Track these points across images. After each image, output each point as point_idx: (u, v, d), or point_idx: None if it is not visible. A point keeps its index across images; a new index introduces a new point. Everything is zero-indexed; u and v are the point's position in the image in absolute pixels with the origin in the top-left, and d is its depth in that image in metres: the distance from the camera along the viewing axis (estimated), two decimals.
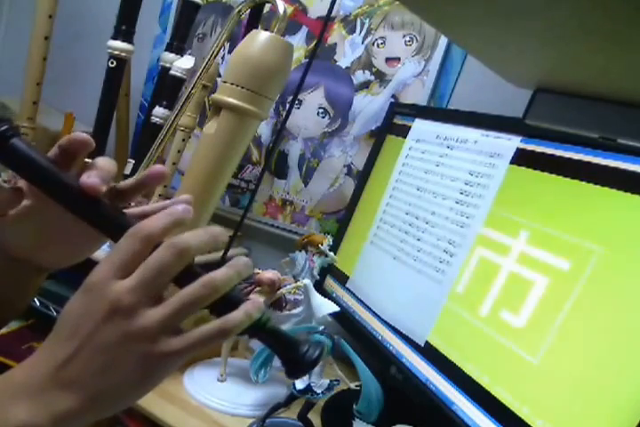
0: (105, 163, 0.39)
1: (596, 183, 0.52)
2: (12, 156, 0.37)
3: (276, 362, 0.73)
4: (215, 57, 0.80)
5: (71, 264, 0.44)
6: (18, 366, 0.33)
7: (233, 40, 1.01)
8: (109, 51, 0.89)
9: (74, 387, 0.31)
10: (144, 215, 0.37)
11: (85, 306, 0.32)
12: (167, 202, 0.38)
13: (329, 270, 0.91)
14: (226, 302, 0.35)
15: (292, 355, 0.37)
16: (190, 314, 0.33)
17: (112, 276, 0.32)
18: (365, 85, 0.96)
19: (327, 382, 0.67)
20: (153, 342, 0.32)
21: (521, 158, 0.61)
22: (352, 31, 0.97)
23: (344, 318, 0.82)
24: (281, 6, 0.69)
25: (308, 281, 0.72)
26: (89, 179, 0.36)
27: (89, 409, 0.32)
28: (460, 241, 0.65)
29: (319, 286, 0.91)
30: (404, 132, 0.82)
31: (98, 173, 0.37)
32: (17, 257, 0.42)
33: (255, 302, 0.35)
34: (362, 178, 0.90)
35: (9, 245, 0.42)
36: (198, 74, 0.81)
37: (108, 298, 0.32)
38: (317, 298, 0.72)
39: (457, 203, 0.67)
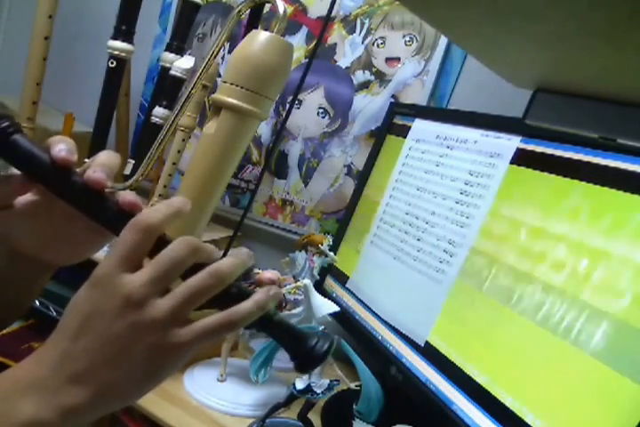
0: (108, 157, 0.39)
1: (595, 183, 0.52)
2: (13, 152, 0.36)
3: (276, 362, 0.73)
4: (215, 57, 0.79)
5: (79, 261, 0.44)
6: (24, 361, 0.33)
7: (233, 40, 1.01)
8: (109, 51, 0.89)
9: (82, 380, 0.31)
10: None
11: (95, 300, 0.32)
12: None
13: (329, 270, 0.91)
14: (236, 295, 0.34)
15: (301, 348, 0.36)
16: (198, 304, 0.33)
17: (118, 268, 0.32)
18: (365, 85, 0.96)
19: (327, 382, 0.67)
20: (162, 332, 0.32)
21: (521, 158, 0.61)
22: (352, 31, 0.97)
23: (344, 318, 0.82)
24: (281, 6, 0.68)
25: (307, 281, 0.72)
26: (94, 173, 0.37)
27: (97, 402, 0.32)
28: (460, 241, 0.65)
29: (319, 286, 0.91)
30: (403, 132, 0.82)
31: (102, 168, 0.37)
32: (24, 254, 0.42)
33: (270, 291, 0.35)
34: (362, 178, 0.90)
35: (16, 241, 0.42)
36: (198, 74, 0.81)
37: (120, 292, 0.32)
38: (317, 298, 0.72)
39: (457, 203, 0.67)
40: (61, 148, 0.37)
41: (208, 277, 0.33)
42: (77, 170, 0.39)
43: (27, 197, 0.40)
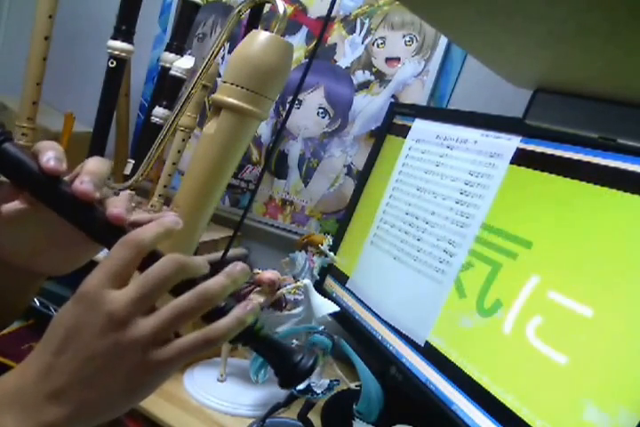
0: (97, 165, 0.38)
1: (595, 183, 0.52)
2: (2, 160, 0.36)
3: None
4: (215, 57, 0.79)
5: (70, 270, 0.44)
6: (8, 374, 0.33)
7: (233, 40, 1.01)
8: (109, 51, 0.89)
9: (62, 397, 0.31)
10: (135, 224, 0.36)
11: (79, 316, 0.32)
12: (155, 215, 0.38)
13: (329, 270, 0.91)
14: (217, 310, 0.34)
15: (284, 364, 0.36)
16: (183, 324, 0.33)
17: (105, 285, 0.32)
18: (365, 85, 0.96)
19: (327, 382, 0.67)
20: (143, 352, 0.31)
21: (521, 158, 0.61)
22: (352, 31, 0.97)
23: (344, 318, 0.82)
24: (281, 6, 0.68)
25: (307, 281, 0.72)
26: (82, 185, 0.36)
27: (77, 419, 0.31)
28: (460, 241, 0.65)
29: (319, 286, 0.91)
30: (403, 132, 0.82)
31: (91, 179, 0.36)
32: (14, 264, 0.41)
33: (248, 306, 0.34)
34: (362, 178, 0.90)
35: (5, 251, 0.41)
36: (198, 74, 0.81)
37: (104, 310, 0.31)
38: (317, 298, 0.72)
39: (457, 203, 0.67)
40: (50, 156, 0.36)
41: (195, 300, 0.32)
42: (66, 178, 0.38)
43: (14, 206, 0.39)
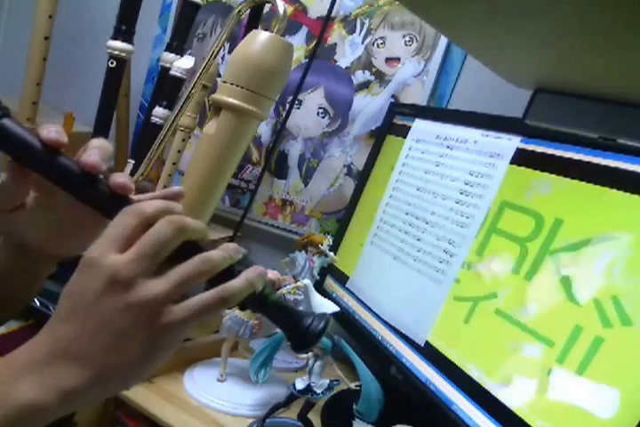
0: (101, 143, 0.39)
1: (595, 183, 0.52)
2: (2, 136, 0.36)
3: (276, 362, 0.73)
4: (215, 57, 0.80)
5: (84, 250, 0.44)
6: (22, 346, 0.33)
7: (233, 40, 1.01)
8: (109, 51, 0.89)
9: (80, 362, 0.31)
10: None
11: (82, 281, 0.32)
12: (162, 191, 0.40)
13: (329, 270, 0.91)
14: (228, 275, 0.35)
15: (296, 328, 0.37)
16: (190, 288, 0.33)
17: (109, 251, 0.32)
18: (365, 85, 0.96)
19: (327, 382, 0.67)
20: (156, 313, 0.32)
21: (521, 158, 0.61)
22: (352, 31, 0.97)
23: (344, 318, 0.82)
24: (281, 6, 0.69)
25: (307, 281, 0.72)
26: (89, 158, 0.37)
27: (96, 385, 0.32)
28: (460, 241, 0.65)
29: (319, 286, 0.91)
30: (403, 132, 0.82)
31: (97, 153, 0.37)
32: (30, 247, 0.42)
33: (257, 270, 0.35)
34: (362, 178, 0.90)
35: (21, 236, 0.42)
36: (198, 74, 0.81)
37: (105, 271, 0.31)
38: (317, 298, 0.72)
39: (457, 203, 0.67)
40: (50, 129, 0.37)
41: (200, 263, 0.33)
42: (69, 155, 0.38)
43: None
